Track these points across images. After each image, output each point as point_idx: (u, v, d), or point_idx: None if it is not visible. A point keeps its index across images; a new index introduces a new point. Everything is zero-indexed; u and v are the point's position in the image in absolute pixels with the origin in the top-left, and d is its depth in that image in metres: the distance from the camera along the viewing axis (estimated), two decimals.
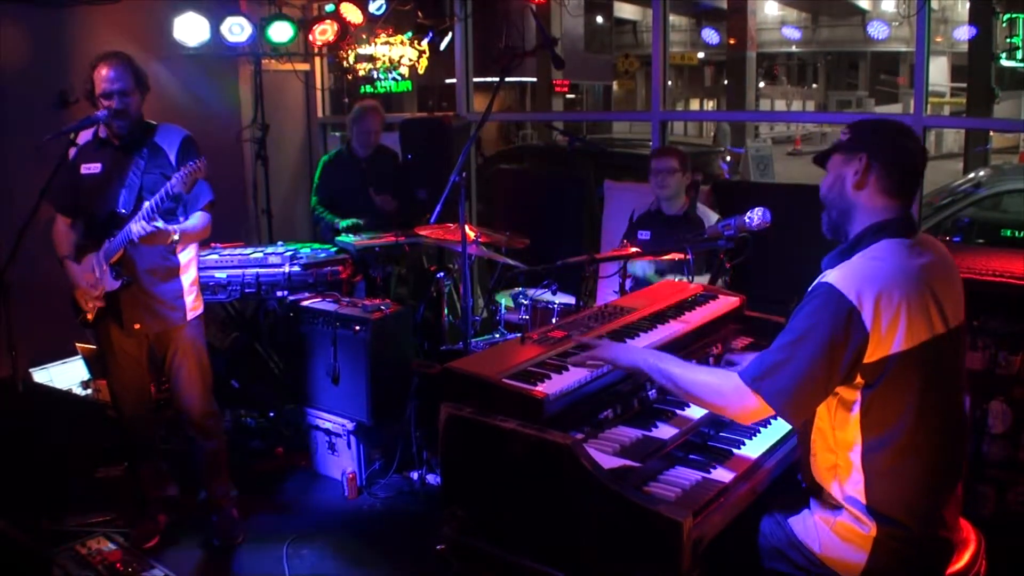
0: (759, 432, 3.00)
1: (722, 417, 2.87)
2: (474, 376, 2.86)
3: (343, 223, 6.35)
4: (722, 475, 2.71)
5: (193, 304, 4.45)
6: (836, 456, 2.54)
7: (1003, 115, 16.73)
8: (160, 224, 4.00)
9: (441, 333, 5.91)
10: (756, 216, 3.81)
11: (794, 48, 41.74)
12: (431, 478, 5.11)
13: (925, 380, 2.45)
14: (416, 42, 7.68)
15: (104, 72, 4.12)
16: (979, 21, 13.55)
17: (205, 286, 4.79)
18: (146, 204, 4.01)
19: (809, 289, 2.51)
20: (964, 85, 18.80)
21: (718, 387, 2.59)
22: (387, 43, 7.59)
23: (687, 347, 3.46)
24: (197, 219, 4.31)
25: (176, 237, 4.13)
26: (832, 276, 2.45)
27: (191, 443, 4.66)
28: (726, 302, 3.84)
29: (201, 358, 4.54)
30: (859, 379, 2.43)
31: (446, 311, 5.90)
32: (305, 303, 5.38)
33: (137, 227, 4.00)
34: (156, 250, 4.24)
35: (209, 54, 6.93)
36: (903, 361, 2.40)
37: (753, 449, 2.89)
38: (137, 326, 4.32)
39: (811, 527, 2.59)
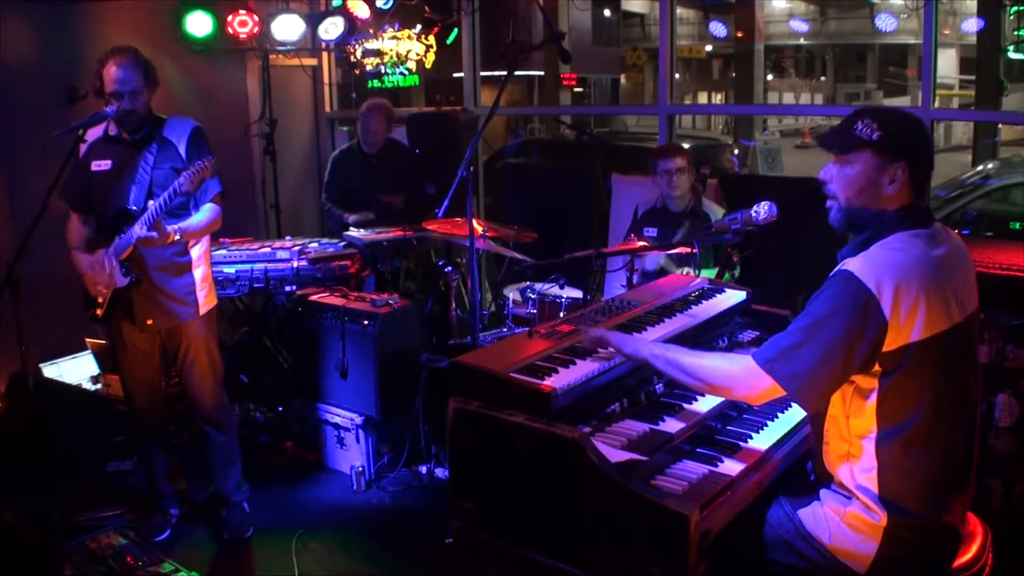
0: (766, 426, 3.01)
1: (732, 400, 2.89)
2: (482, 370, 2.87)
3: (352, 218, 6.37)
4: (729, 469, 2.71)
5: (205, 298, 4.45)
6: (849, 445, 2.55)
7: (1012, 107, 16.67)
8: (155, 233, 4.00)
9: (449, 327, 5.92)
10: (762, 210, 3.81)
11: (802, 41, 41.62)
12: (439, 472, 5.13)
13: (942, 369, 2.46)
14: (423, 37, 7.68)
15: (113, 71, 4.10)
16: (987, 13, 13.51)
17: (214, 281, 4.80)
18: (151, 205, 4.01)
19: (829, 276, 2.51)
20: (973, 77, 18.72)
21: (727, 369, 2.61)
22: (394, 38, 7.60)
23: (694, 341, 3.46)
24: (204, 213, 4.29)
25: (177, 237, 4.13)
26: (852, 264, 2.45)
27: (201, 437, 4.68)
28: (733, 296, 3.85)
29: (213, 353, 4.54)
30: (877, 367, 2.44)
31: (454, 305, 5.91)
32: (313, 298, 5.40)
33: (138, 229, 4.00)
34: (167, 246, 4.25)
35: (217, 49, 6.95)
36: (921, 350, 2.41)
37: (760, 443, 2.90)
38: (150, 321, 4.32)
39: (821, 518, 2.60)
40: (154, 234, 3.99)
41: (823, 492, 2.65)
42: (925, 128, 2.60)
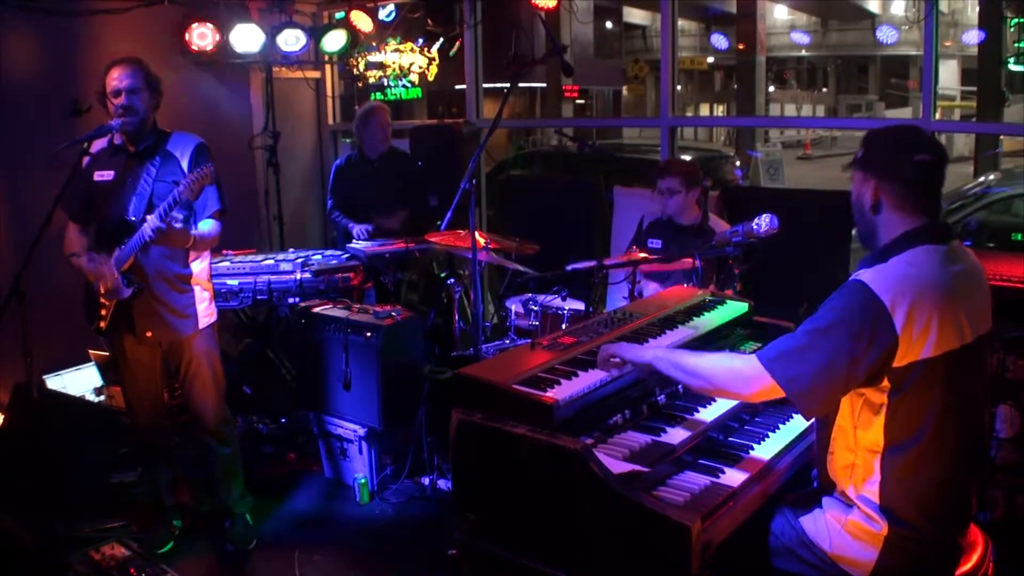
0: (768, 436, 3.01)
1: (732, 398, 2.91)
2: (485, 382, 2.88)
3: (356, 230, 6.38)
4: (731, 479, 2.72)
5: (206, 313, 4.45)
6: (855, 456, 2.55)
7: (1013, 118, 16.67)
8: (177, 224, 3.98)
9: (452, 339, 5.92)
10: (764, 223, 3.83)
11: (804, 52, 41.70)
12: (442, 483, 5.13)
13: (950, 387, 2.46)
14: (426, 49, 7.71)
15: (115, 73, 4.17)
16: (988, 25, 13.54)
17: (217, 293, 4.81)
18: (152, 218, 4.01)
19: (843, 284, 2.52)
20: (974, 88, 18.74)
21: (729, 366, 2.65)
22: (397, 50, 7.63)
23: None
24: (208, 227, 4.31)
25: (191, 243, 4.14)
26: (867, 275, 2.46)
27: (204, 449, 4.68)
28: (735, 307, 3.86)
29: (215, 367, 4.55)
30: (886, 383, 2.44)
31: (457, 317, 5.92)
32: (317, 309, 5.41)
33: (150, 226, 3.95)
34: (168, 259, 4.26)
35: (221, 62, 6.97)
36: (931, 367, 2.41)
37: (762, 453, 2.90)
38: (149, 334, 4.33)
39: (822, 525, 2.61)
40: (174, 223, 3.97)
41: (825, 500, 2.66)
42: (912, 145, 2.57)
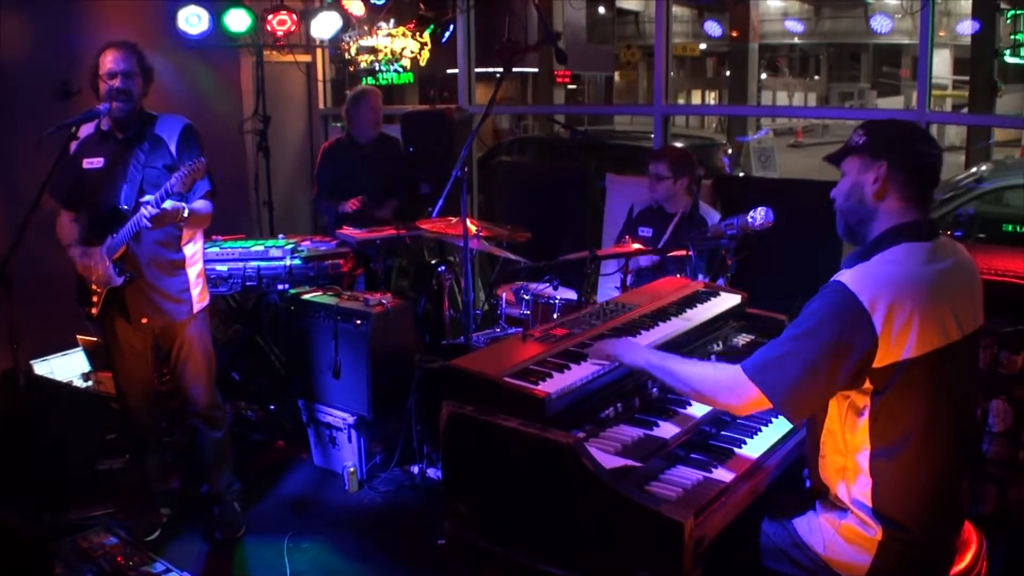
0: (760, 431, 3.00)
1: (720, 410, 2.89)
2: (476, 375, 2.85)
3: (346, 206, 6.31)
4: (723, 474, 2.70)
5: (199, 297, 4.44)
6: (845, 459, 2.54)
7: (1005, 108, 16.72)
8: (168, 205, 3.95)
9: (442, 327, 5.90)
10: (759, 216, 3.81)
11: (796, 40, 41.69)
12: (431, 472, 5.12)
13: (936, 387, 2.43)
14: (418, 34, 7.66)
15: (110, 55, 4.14)
16: (982, 16, 13.54)
17: (206, 279, 4.78)
18: (146, 202, 3.97)
19: (823, 286, 2.50)
20: (966, 78, 18.76)
21: (715, 378, 2.62)
22: (389, 35, 7.58)
23: (689, 344, 3.46)
24: (200, 204, 4.27)
25: (186, 214, 4.08)
26: (847, 276, 2.43)
27: (193, 435, 4.66)
28: (728, 299, 3.84)
29: (207, 351, 4.53)
30: (868, 384, 2.42)
31: (447, 305, 5.89)
32: (306, 296, 5.37)
33: (147, 210, 3.89)
34: (160, 245, 4.23)
35: (211, 45, 6.91)
36: (913, 368, 2.38)
37: (754, 448, 2.89)
38: (144, 320, 4.31)
39: (816, 528, 2.59)
40: (166, 207, 3.90)
41: (819, 502, 2.65)
42: (918, 136, 2.59)
